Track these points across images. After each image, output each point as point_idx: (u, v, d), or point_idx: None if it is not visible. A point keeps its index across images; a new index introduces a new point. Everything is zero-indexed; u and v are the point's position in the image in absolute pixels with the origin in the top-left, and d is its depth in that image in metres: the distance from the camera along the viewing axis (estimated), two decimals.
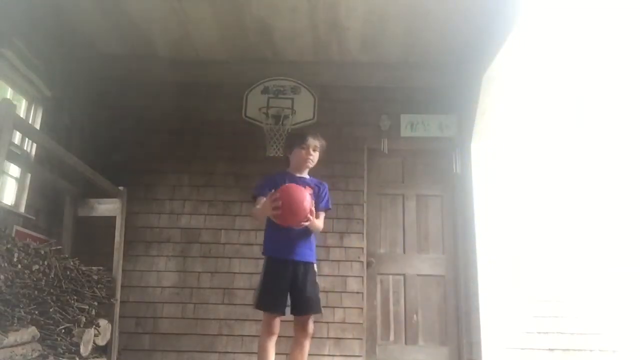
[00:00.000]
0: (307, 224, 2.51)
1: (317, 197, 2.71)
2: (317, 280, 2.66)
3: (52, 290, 2.91)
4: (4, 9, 3.58)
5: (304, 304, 2.55)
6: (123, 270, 4.01)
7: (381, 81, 4.82)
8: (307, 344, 2.60)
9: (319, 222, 2.70)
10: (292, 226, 2.52)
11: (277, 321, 2.56)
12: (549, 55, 3.93)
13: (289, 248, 2.59)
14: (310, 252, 2.66)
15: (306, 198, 2.48)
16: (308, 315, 2.59)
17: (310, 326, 2.61)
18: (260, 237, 4.37)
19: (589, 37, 3.80)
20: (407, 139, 4.71)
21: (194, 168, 4.61)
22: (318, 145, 2.79)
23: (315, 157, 2.78)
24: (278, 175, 2.76)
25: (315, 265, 2.69)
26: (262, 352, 2.52)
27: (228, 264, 4.36)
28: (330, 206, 2.83)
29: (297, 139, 2.85)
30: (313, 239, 2.70)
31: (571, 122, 4.67)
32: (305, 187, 2.62)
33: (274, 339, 2.55)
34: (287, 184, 2.58)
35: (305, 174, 2.81)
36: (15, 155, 3.50)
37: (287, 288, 2.54)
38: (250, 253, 4.37)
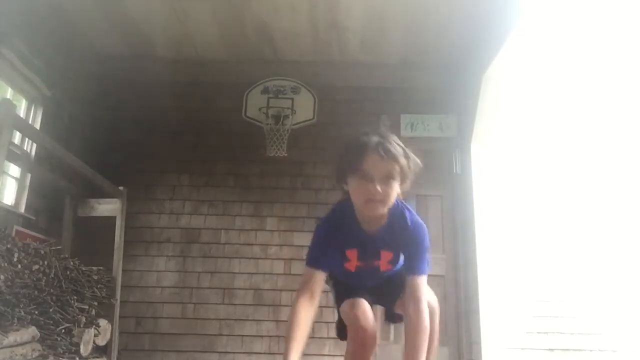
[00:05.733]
0: None
1: (401, 254, 1.84)
2: None
3: (52, 290, 2.91)
4: (4, 9, 3.57)
5: None
6: (123, 270, 4.00)
7: (381, 81, 4.82)
8: None
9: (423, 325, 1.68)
10: None
11: None
12: (549, 55, 3.93)
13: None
14: None
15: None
16: None
17: None
18: (260, 237, 4.44)
19: (589, 37, 3.80)
20: (407, 139, 4.68)
21: (194, 168, 4.60)
22: (397, 168, 1.61)
23: (388, 191, 1.61)
24: (337, 230, 1.76)
25: None
26: None
27: (228, 264, 4.36)
28: (427, 268, 1.79)
29: (348, 157, 1.68)
30: None
31: (571, 121, 4.67)
32: (380, 255, 1.80)
33: None
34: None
35: (376, 225, 1.74)
36: (15, 155, 3.49)
37: None
38: (250, 253, 4.38)
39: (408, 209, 1.78)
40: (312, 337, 4.23)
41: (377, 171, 1.60)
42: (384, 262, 1.83)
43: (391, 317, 2.01)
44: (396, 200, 1.69)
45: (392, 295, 1.88)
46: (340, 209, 1.79)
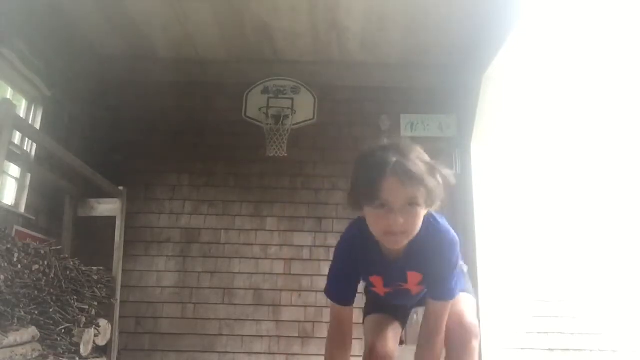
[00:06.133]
0: None
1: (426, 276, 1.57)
2: None
3: (52, 290, 2.91)
4: (4, 9, 3.57)
5: None
6: (123, 270, 4.00)
7: (381, 81, 4.81)
8: None
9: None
10: None
11: None
12: (550, 55, 3.93)
13: None
14: None
15: None
16: None
17: None
18: (260, 237, 4.44)
19: (589, 37, 3.80)
20: (407, 139, 4.71)
21: (194, 168, 4.60)
22: (422, 191, 1.35)
23: (411, 221, 1.37)
24: (357, 256, 1.55)
25: None
26: None
27: (228, 264, 4.36)
28: (455, 291, 1.56)
29: (362, 182, 1.40)
30: None
31: (571, 121, 4.67)
32: (407, 277, 1.56)
33: None
34: None
35: (400, 251, 1.50)
36: (15, 155, 3.49)
37: None
38: (250, 253, 4.38)
39: (435, 219, 1.50)
40: (312, 337, 4.23)
41: (397, 198, 1.32)
42: (412, 284, 1.57)
43: None
44: None
45: None
46: (357, 230, 1.51)
